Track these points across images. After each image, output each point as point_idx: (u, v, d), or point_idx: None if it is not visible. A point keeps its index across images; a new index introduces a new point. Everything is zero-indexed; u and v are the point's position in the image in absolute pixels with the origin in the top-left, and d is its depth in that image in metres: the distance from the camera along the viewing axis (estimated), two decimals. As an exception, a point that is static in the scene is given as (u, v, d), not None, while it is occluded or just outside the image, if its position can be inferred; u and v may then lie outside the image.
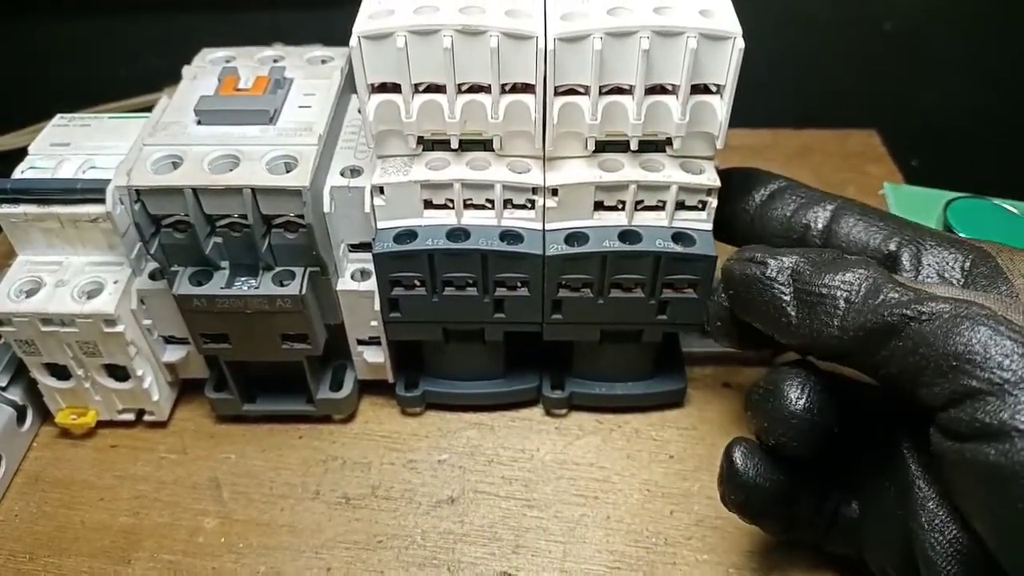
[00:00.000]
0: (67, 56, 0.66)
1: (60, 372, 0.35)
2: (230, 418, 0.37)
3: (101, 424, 0.37)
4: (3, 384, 0.36)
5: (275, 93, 0.32)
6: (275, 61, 0.35)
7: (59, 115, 0.36)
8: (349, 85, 0.35)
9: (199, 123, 0.31)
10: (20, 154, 0.34)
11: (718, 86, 0.28)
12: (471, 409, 0.38)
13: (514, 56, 0.28)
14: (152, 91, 0.58)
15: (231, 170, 0.30)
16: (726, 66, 0.27)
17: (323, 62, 0.35)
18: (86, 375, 0.35)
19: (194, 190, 0.29)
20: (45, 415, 0.38)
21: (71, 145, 0.35)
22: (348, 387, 0.36)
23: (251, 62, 0.35)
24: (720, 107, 0.28)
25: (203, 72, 0.34)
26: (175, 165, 0.30)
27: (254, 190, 0.29)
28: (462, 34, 0.27)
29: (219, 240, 0.31)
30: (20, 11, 0.63)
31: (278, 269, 0.32)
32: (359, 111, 0.35)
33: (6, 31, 0.64)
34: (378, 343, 0.35)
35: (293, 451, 0.36)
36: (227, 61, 0.35)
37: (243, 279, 0.32)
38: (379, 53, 0.28)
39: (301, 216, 0.30)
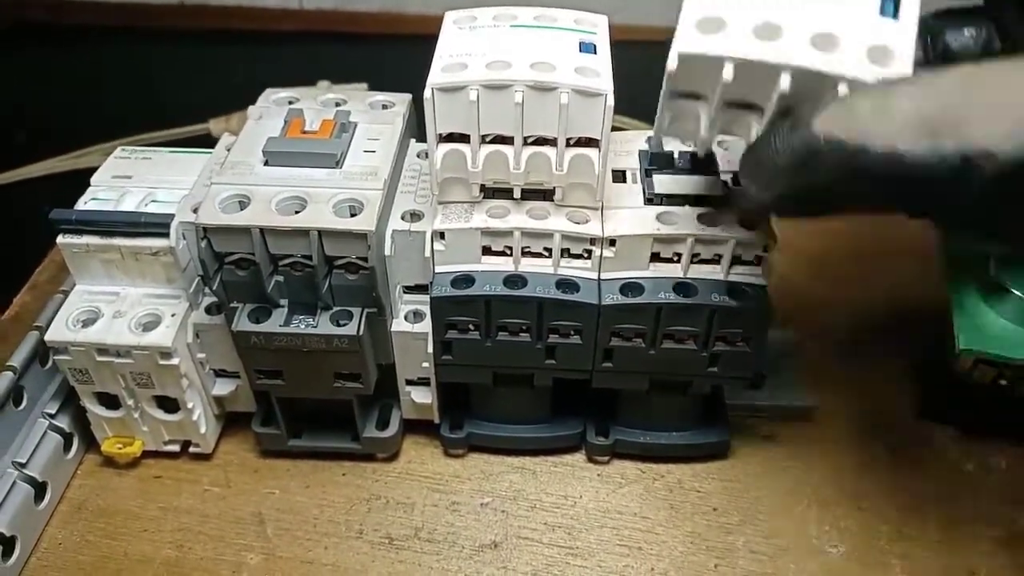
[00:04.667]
0: (102, 83, 0.68)
1: (110, 401, 0.36)
2: (274, 453, 0.38)
3: (145, 454, 0.38)
4: (52, 411, 0.36)
5: (341, 137, 0.33)
6: (338, 104, 0.35)
7: (120, 147, 0.37)
8: (409, 131, 0.36)
9: (266, 164, 0.32)
10: (73, 182, 0.35)
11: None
12: (514, 453, 0.38)
13: (581, 112, 0.28)
14: (194, 122, 0.59)
15: (297, 212, 0.30)
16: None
17: (384, 107, 0.36)
18: (136, 405, 0.35)
19: (261, 230, 0.30)
20: (90, 443, 0.38)
21: (133, 178, 0.35)
22: (394, 426, 0.37)
23: (315, 104, 0.35)
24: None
25: (268, 112, 0.34)
26: (242, 205, 0.31)
27: (320, 232, 0.30)
28: (533, 90, 0.28)
29: (280, 279, 0.32)
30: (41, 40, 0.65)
31: (336, 309, 0.32)
32: (417, 155, 0.36)
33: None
34: (427, 384, 0.36)
35: (337, 488, 0.37)
36: (290, 102, 0.36)
37: (301, 318, 0.32)
38: (451, 105, 0.28)
39: (364, 259, 0.31)
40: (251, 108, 0.35)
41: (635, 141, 0.35)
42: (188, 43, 0.67)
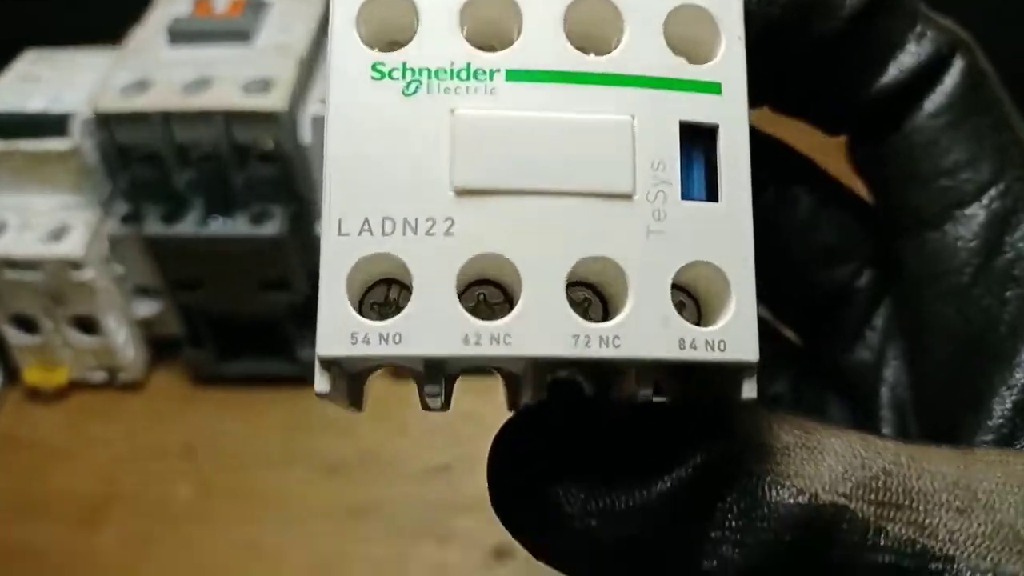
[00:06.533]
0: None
1: (28, 326, 0.33)
2: (208, 381, 0.35)
3: (73, 386, 0.35)
4: (-32, 342, 0.34)
5: (253, 14, 0.29)
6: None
7: (29, 50, 0.34)
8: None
9: (172, 45, 0.29)
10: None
11: None
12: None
13: None
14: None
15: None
16: None
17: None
18: (55, 328, 0.33)
19: (164, 115, 0.27)
20: (14, 377, 0.35)
21: (41, 81, 0.32)
22: (335, 345, 0.34)
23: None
24: None
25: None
26: (145, 89, 0.28)
27: (227, 114, 0.27)
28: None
29: (193, 175, 0.29)
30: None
31: (256, 209, 0.29)
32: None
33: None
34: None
35: (274, 415, 0.34)
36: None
37: (218, 218, 0.29)
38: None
39: (279, 145, 0.27)
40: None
41: None
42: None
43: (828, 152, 0.18)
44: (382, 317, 0.10)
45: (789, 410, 0.14)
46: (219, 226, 0.29)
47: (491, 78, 0.10)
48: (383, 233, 0.10)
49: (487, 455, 0.13)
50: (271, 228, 0.29)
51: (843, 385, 0.17)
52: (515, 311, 0.10)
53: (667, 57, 0.11)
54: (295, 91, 0.27)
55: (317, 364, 0.10)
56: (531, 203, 0.10)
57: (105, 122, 0.27)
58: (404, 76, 0.10)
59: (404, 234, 0.10)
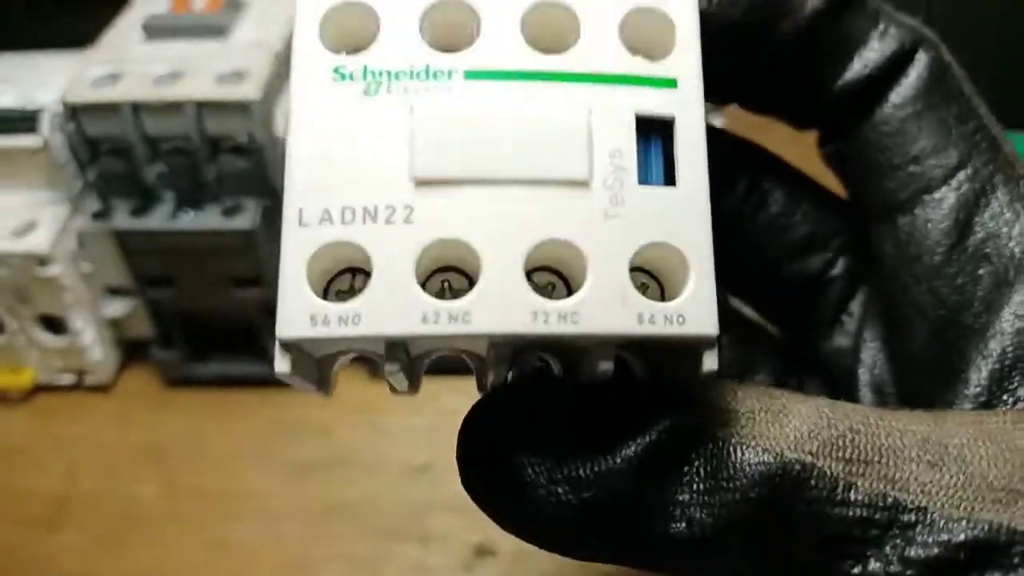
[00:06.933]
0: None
1: (-7, 326, 0.32)
2: (179, 383, 0.34)
3: (39, 389, 0.34)
4: (-68, 342, 0.33)
5: (230, 11, 0.29)
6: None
7: (2, 53, 0.34)
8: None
9: (146, 41, 0.29)
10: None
11: None
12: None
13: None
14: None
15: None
16: None
17: (286, -8, 0.33)
18: (21, 327, 0.32)
19: (134, 106, 0.27)
20: (-22, 380, 0.34)
21: (12, 80, 0.32)
22: (308, 345, 0.33)
23: (207, -11, 0.32)
24: None
25: (153, -2, 0.31)
26: (116, 82, 0.28)
27: (199, 104, 0.27)
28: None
29: (164, 169, 0.28)
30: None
31: (228, 203, 0.29)
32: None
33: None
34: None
35: (247, 417, 0.33)
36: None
37: (189, 212, 0.29)
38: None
39: (252, 137, 0.27)
40: (134, -9, 0.32)
41: None
42: None
43: (800, 145, 0.18)
44: (340, 297, 0.10)
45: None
46: (190, 219, 0.29)
47: (449, 77, 0.11)
48: (343, 222, 0.10)
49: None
50: (243, 221, 0.28)
51: (824, 372, 0.18)
52: (474, 291, 0.10)
53: (623, 55, 0.11)
54: (270, 83, 0.27)
55: (277, 346, 0.10)
56: (490, 191, 0.10)
57: (74, 114, 0.27)
58: (365, 78, 0.10)
59: (364, 223, 0.10)
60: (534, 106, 0.11)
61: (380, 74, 0.11)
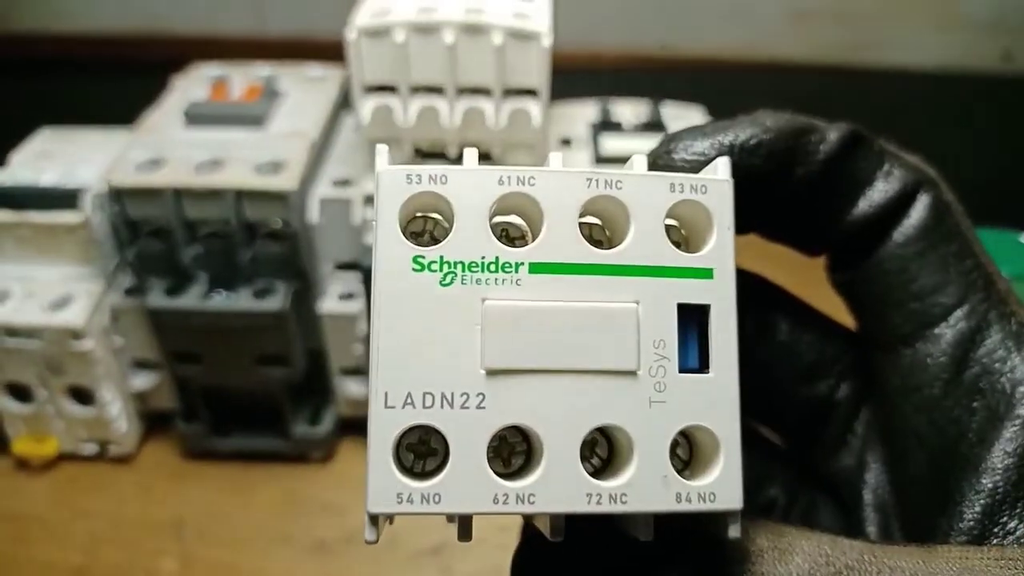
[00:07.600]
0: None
1: (22, 395, 0.33)
2: (200, 456, 0.35)
3: (62, 458, 0.34)
4: (-40, 409, 0.33)
5: (267, 101, 0.31)
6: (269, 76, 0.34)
7: (45, 127, 0.35)
8: (347, 105, 0.34)
9: (187, 127, 0.30)
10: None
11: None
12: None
13: (516, 56, 0.27)
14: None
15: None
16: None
17: (319, 80, 0.34)
18: (50, 397, 0.33)
19: (175, 191, 0.28)
20: (3, 446, 0.35)
21: (54, 157, 0.33)
22: (327, 423, 0.34)
23: (245, 77, 0.34)
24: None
25: (194, 83, 0.33)
26: (158, 167, 0.29)
27: (238, 192, 0.28)
28: (464, 32, 0.26)
29: (200, 250, 0.29)
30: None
31: (260, 285, 0.30)
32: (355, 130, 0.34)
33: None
34: (363, 375, 0.33)
35: (265, 492, 0.34)
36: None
37: (221, 292, 0.30)
38: (377, 49, 0.27)
39: (287, 223, 0.28)
40: (175, 77, 0.33)
41: (583, 110, 0.33)
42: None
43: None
44: (417, 456, 0.12)
45: (767, 516, 0.16)
46: (222, 300, 0.29)
47: (516, 270, 0.12)
48: (424, 406, 0.11)
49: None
50: (274, 303, 0.29)
51: (831, 489, 0.18)
52: (537, 473, 0.11)
53: (667, 247, 0.12)
54: (305, 173, 0.28)
55: (367, 519, 0.11)
56: (551, 381, 0.12)
57: (118, 196, 0.28)
58: (441, 268, 0.12)
59: (442, 407, 0.11)
60: (591, 300, 0.12)
61: (455, 265, 0.12)
